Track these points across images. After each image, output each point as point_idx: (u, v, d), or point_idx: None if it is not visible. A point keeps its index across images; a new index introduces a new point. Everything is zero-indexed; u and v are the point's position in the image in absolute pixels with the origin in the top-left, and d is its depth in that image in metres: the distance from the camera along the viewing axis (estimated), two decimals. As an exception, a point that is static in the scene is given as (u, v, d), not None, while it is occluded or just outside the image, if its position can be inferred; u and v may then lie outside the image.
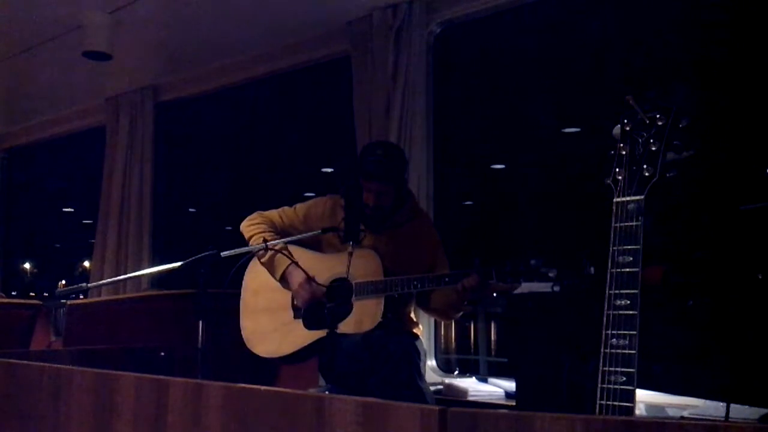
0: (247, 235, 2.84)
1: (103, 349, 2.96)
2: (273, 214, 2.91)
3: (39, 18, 4.14)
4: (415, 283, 2.56)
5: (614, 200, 1.46)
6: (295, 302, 2.77)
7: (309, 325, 2.71)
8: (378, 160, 2.72)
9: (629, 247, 1.41)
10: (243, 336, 2.84)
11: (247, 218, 2.91)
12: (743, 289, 2.14)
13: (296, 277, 2.72)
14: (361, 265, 2.63)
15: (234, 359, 2.82)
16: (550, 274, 2.40)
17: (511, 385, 3.04)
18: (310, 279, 2.69)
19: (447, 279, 2.52)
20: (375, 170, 2.71)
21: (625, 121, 1.50)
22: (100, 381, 1.55)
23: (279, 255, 2.76)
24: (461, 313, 2.82)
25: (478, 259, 2.46)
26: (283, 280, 2.78)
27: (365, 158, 2.75)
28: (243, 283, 2.91)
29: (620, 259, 1.42)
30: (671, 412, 2.31)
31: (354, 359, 2.54)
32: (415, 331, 2.81)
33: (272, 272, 2.80)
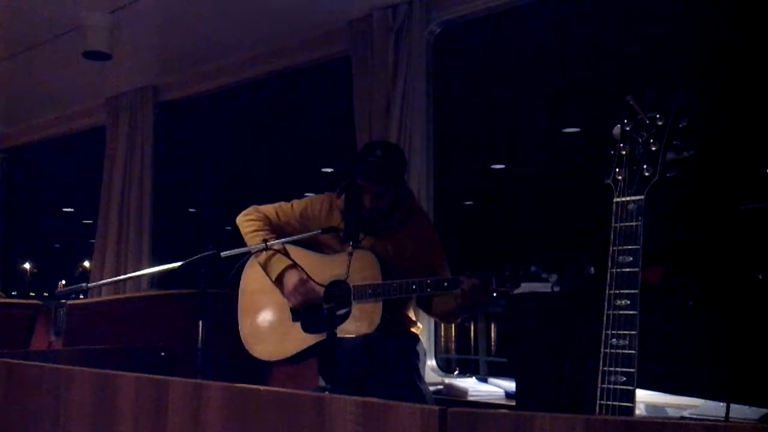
0: (243, 230, 2.83)
1: (103, 349, 2.95)
2: (269, 209, 2.90)
3: (39, 18, 4.14)
4: (414, 287, 2.54)
5: (614, 200, 1.46)
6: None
7: (307, 328, 2.70)
8: (376, 161, 2.68)
9: (629, 247, 1.41)
10: (241, 337, 2.84)
11: (243, 212, 2.88)
12: (743, 289, 2.14)
13: (291, 280, 2.70)
14: (360, 267, 2.62)
15: (234, 359, 2.82)
16: (551, 280, 2.40)
17: (511, 385, 3.04)
18: (307, 280, 2.68)
19: (446, 284, 2.51)
20: (373, 172, 2.67)
21: (625, 121, 1.50)
22: (100, 381, 1.55)
23: (277, 256, 2.73)
24: (460, 319, 2.81)
25: (470, 270, 2.45)
26: (279, 282, 2.76)
27: (364, 159, 2.71)
28: (240, 284, 2.89)
29: (620, 259, 1.42)
30: (671, 412, 2.31)
31: (353, 361, 2.53)
32: (414, 331, 2.80)
33: (268, 273, 2.79)
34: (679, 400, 2.31)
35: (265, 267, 2.78)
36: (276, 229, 2.83)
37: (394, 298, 2.60)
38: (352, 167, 2.79)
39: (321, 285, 2.69)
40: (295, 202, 2.91)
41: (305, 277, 2.67)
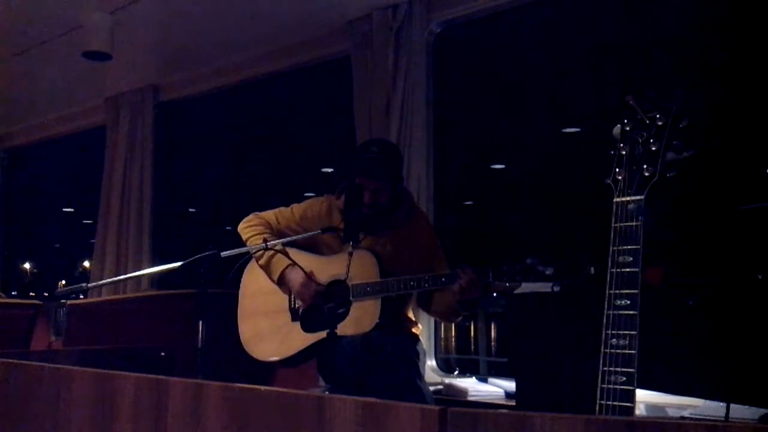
0: (244, 237, 2.84)
1: (103, 349, 2.96)
2: (269, 215, 2.91)
3: (39, 18, 4.14)
4: (412, 283, 2.55)
5: (614, 200, 1.46)
6: (294, 305, 2.76)
7: (307, 328, 2.70)
8: (372, 157, 2.72)
9: (629, 247, 1.41)
10: (241, 339, 2.84)
11: (244, 220, 2.91)
12: (743, 289, 2.14)
13: (296, 278, 2.72)
14: (360, 266, 2.62)
15: (234, 359, 2.82)
16: (547, 272, 2.40)
17: (511, 385, 3.04)
18: (310, 278, 2.69)
19: (444, 279, 2.51)
20: (369, 167, 2.71)
21: (625, 121, 1.50)
22: (100, 381, 1.55)
23: (277, 256, 2.75)
24: (461, 317, 2.81)
25: (466, 265, 2.46)
26: (281, 282, 2.77)
27: (360, 156, 2.76)
28: (240, 286, 2.90)
29: (620, 259, 1.42)
30: (671, 412, 2.32)
31: (353, 360, 2.54)
32: (414, 330, 2.80)
33: (270, 273, 2.79)
34: (679, 400, 2.31)
35: (266, 268, 2.79)
36: (277, 234, 2.84)
37: (394, 297, 2.60)
38: (350, 165, 2.81)
39: (321, 285, 2.70)
40: (295, 206, 2.92)
41: (306, 275, 2.69)
